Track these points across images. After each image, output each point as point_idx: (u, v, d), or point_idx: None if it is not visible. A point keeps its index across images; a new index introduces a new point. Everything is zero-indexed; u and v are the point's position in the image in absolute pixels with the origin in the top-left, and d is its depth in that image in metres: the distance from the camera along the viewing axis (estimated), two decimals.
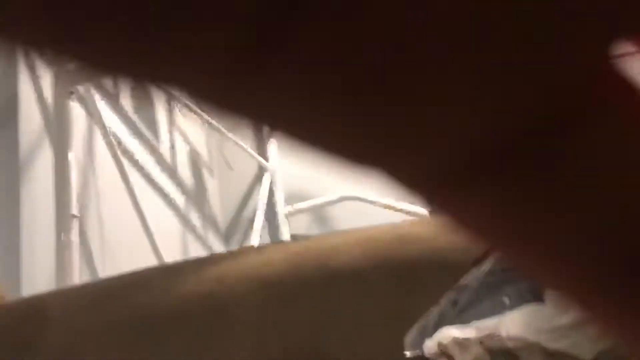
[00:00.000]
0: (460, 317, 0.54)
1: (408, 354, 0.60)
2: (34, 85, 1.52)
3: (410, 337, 0.61)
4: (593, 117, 0.08)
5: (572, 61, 0.07)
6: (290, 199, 2.64)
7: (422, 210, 1.84)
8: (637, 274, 0.08)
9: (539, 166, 0.08)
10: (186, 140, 2.47)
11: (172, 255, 1.98)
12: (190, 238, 2.29)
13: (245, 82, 0.07)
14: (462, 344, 0.52)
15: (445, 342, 0.53)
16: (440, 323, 0.57)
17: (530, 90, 0.07)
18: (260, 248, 0.83)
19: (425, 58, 0.07)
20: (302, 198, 2.62)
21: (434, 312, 0.60)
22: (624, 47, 0.07)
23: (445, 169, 0.08)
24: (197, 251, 2.31)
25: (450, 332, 0.53)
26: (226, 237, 2.69)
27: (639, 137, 0.08)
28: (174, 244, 2.14)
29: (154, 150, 2.12)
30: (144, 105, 2.14)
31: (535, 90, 0.07)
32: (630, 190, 0.08)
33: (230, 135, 2.36)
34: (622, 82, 0.08)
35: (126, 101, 2.00)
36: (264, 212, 2.60)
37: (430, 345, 0.55)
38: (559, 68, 0.07)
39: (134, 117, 2.03)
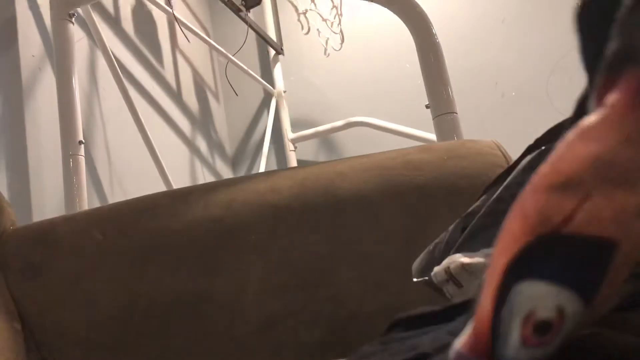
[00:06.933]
0: (469, 243, 0.54)
1: (416, 280, 0.60)
2: (31, 6, 1.46)
3: (418, 263, 0.61)
4: None
5: None
6: (296, 125, 2.61)
7: (430, 136, 1.82)
8: None
9: None
10: (190, 64, 2.41)
11: (180, 181, 1.99)
12: (197, 164, 2.29)
13: None
14: (470, 270, 0.51)
15: (453, 268, 0.53)
16: (448, 250, 0.56)
17: None
18: (267, 174, 0.82)
19: None
20: (309, 124, 2.59)
21: (442, 239, 0.59)
22: None
23: None
24: (205, 177, 2.32)
25: (459, 259, 0.53)
26: (233, 164, 2.70)
27: None
28: (182, 169, 2.15)
29: (157, 75, 2.08)
30: (145, 27, 2.07)
31: None
32: None
33: (234, 59, 2.30)
34: None
35: (126, 22, 1.94)
36: (270, 138, 2.58)
37: (438, 271, 0.55)
38: None
39: (136, 39, 1.98)
